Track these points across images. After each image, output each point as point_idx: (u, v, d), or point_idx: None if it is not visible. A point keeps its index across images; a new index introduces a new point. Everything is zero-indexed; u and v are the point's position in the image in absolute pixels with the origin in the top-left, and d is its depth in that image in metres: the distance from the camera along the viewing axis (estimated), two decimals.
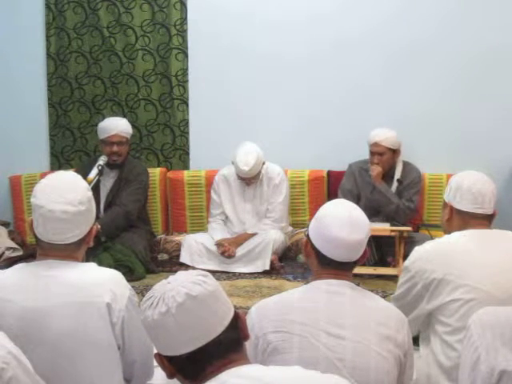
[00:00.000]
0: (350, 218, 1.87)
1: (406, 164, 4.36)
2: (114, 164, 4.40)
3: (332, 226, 1.85)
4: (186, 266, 4.17)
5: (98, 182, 4.24)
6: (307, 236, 1.96)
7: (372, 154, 4.26)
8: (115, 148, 4.37)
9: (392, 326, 1.82)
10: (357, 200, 4.32)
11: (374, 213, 4.24)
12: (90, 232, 1.94)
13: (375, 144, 4.23)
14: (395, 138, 4.25)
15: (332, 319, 1.79)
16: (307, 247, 1.95)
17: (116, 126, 4.42)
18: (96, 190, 4.23)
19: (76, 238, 1.88)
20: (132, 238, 4.24)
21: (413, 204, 4.24)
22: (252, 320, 1.82)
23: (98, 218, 4.27)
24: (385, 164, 4.25)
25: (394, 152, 4.26)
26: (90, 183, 3.88)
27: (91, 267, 1.93)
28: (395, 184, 4.29)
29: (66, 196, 1.85)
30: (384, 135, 4.21)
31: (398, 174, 4.30)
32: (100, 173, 4.17)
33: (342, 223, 1.85)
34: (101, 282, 1.86)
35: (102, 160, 4.27)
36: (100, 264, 2.01)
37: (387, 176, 4.30)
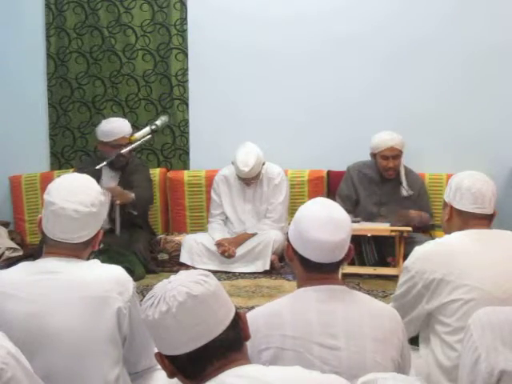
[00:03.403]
0: (330, 217, 1.81)
1: (408, 170, 4.32)
2: (118, 164, 4.33)
3: (312, 229, 1.78)
4: (186, 266, 4.16)
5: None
6: (287, 240, 1.90)
7: (386, 158, 4.19)
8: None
9: (386, 328, 1.78)
10: (355, 204, 4.32)
11: (373, 216, 4.23)
12: (96, 235, 1.98)
13: (392, 148, 4.16)
14: (403, 139, 4.23)
15: (325, 330, 1.74)
16: (289, 251, 1.88)
17: (122, 128, 4.32)
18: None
19: (83, 239, 1.92)
20: (132, 238, 4.24)
21: (430, 214, 4.24)
22: None
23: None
24: (398, 167, 4.23)
25: (401, 154, 4.25)
26: (133, 141, 3.93)
27: (95, 263, 1.96)
28: (404, 189, 4.26)
29: (79, 196, 1.90)
30: (397, 138, 4.18)
31: (402, 178, 4.26)
32: (152, 132, 4.09)
33: (322, 224, 1.78)
34: (106, 276, 1.90)
35: (160, 120, 4.21)
36: None
37: (393, 180, 4.28)
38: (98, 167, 4.04)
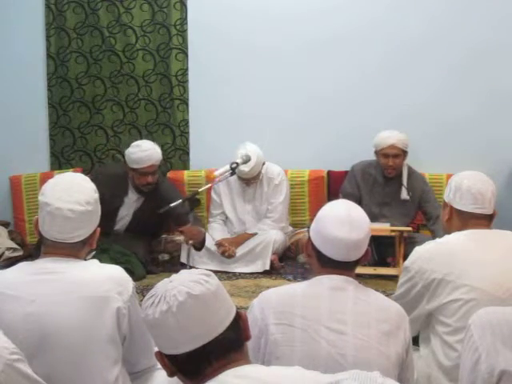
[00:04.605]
0: (349, 217, 1.88)
1: (411, 171, 4.31)
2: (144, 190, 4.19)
3: (331, 226, 1.86)
4: (186, 266, 4.16)
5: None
6: (308, 236, 1.97)
7: (386, 156, 4.19)
8: (150, 179, 4.12)
9: (393, 323, 1.83)
10: (358, 203, 4.30)
11: (375, 216, 4.23)
12: (93, 233, 1.98)
13: (392, 146, 4.16)
14: (407, 139, 4.22)
15: (334, 315, 1.80)
16: (308, 247, 1.97)
17: (152, 156, 4.10)
18: (114, 209, 4.17)
19: (80, 238, 1.92)
20: (131, 239, 4.23)
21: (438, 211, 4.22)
22: (254, 312, 1.84)
23: (112, 232, 4.22)
24: (399, 166, 4.21)
25: (405, 155, 4.24)
26: (212, 179, 3.75)
27: (94, 263, 1.96)
28: (404, 191, 4.25)
29: (73, 195, 1.89)
30: (398, 137, 4.17)
31: (404, 180, 4.26)
32: (232, 170, 3.82)
33: (341, 223, 1.86)
34: (106, 276, 1.90)
35: (241, 158, 4.01)
36: None
37: (396, 181, 4.28)
38: (173, 205, 3.51)
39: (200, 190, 3.75)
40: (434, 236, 4.04)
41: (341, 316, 1.80)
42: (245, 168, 4.22)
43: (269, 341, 1.80)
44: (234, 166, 3.90)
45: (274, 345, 1.79)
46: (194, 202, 3.47)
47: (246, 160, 4.11)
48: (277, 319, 1.81)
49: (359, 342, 1.76)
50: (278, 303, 1.84)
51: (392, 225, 4.09)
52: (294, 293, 1.88)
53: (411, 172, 4.31)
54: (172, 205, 3.46)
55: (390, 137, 4.18)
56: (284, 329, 1.79)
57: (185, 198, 3.52)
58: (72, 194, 1.90)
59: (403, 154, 4.21)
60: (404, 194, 4.24)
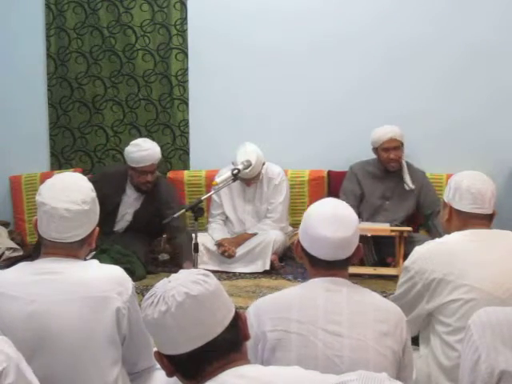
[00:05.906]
0: (335, 215, 1.86)
1: (409, 165, 4.34)
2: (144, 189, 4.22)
3: (316, 225, 1.84)
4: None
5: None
6: (298, 238, 1.96)
7: (387, 150, 4.23)
8: (149, 177, 4.15)
9: (390, 322, 1.82)
10: (359, 200, 4.33)
11: (377, 209, 4.25)
12: (92, 233, 1.97)
13: (391, 139, 4.22)
14: (402, 131, 4.28)
15: (329, 317, 1.79)
16: (298, 249, 1.95)
17: (151, 156, 4.12)
18: (114, 207, 4.20)
19: (78, 238, 1.91)
20: (131, 239, 4.22)
21: (439, 207, 4.23)
22: (250, 319, 1.83)
23: (113, 232, 4.22)
24: (400, 159, 4.26)
25: (402, 146, 4.28)
26: (215, 186, 3.74)
27: (94, 264, 1.96)
28: (408, 180, 4.26)
29: (70, 195, 1.89)
30: (394, 129, 4.24)
31: (405, 172, 4.28)
32: (234, 176, 3.77)
33: (327, 221, 1.84)
34: (105, 276, 1.90)
35: (241, 164, 4.02)
36: None
37: (396, 175, 4.30)
38: (176, 215, 3.44)
39: (203, 197, 3.70)
40: (433, 232, 4.07)
41: (337, 317, 1.79)
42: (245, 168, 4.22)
43: (266, 347, 1.79)
44: (236, 172, 3.90)
45: (270, 351, 1.78)
46: (197, 211, 3.42)
47: (247, 166, 4.12)
48: (273, 326, 1.80)
49: (356, 343, 1.76)
50: (273, 310, 1.83)
51: (392, 224, 4.09)
52: (289, 297, 1.86)
53: (409, 166, 4.34)
54: (176, 215, 3.44)
55: (388, 131, 4.24)
56: (280, 335, 1.78)
57: (188, 206, 3.46)
58: (68, 193, 1.89)
59: (401, 145, 4.26)
60: (409, 184, 4.25)
